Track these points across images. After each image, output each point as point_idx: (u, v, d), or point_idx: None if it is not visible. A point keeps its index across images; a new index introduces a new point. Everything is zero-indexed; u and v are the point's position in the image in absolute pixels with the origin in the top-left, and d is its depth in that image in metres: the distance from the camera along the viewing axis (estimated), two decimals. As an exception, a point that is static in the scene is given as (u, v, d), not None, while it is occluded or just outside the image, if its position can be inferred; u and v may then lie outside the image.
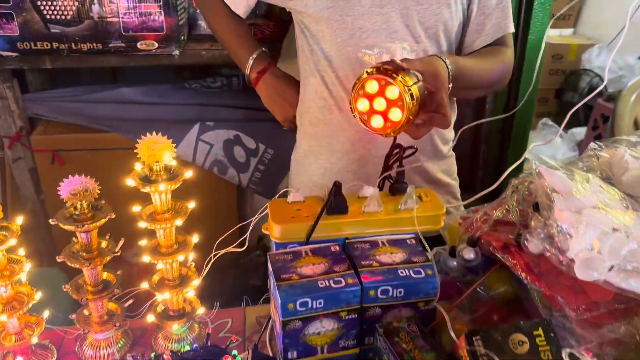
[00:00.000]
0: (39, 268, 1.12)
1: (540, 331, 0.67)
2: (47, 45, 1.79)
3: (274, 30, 2.03)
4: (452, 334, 0.69)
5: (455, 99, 1.31)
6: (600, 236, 0.66)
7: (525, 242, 0.76)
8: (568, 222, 0.69)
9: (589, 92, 3.61)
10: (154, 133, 0.88)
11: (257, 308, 1.15)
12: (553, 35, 3.90)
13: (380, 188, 1.03)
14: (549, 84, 3.84)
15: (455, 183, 1.40)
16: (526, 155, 0.94)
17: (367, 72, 0.90)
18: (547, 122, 3.46)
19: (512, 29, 1.22)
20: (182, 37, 1.91)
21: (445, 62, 0.98)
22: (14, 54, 1.79)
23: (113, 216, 0.90)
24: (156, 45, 1.85)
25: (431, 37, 1.17)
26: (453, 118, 1.31)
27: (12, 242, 0.86)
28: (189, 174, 0.90)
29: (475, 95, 1.19)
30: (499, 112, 2.29)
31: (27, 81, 2.09)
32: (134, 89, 2.06)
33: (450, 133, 1.35)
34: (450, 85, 0.98)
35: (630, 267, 0.65)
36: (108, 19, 1.77)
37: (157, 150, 0.87)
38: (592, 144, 0.82)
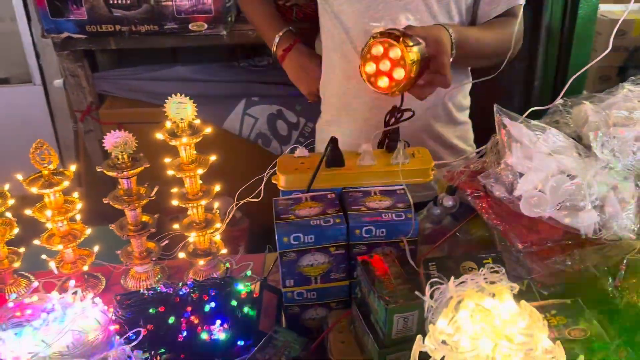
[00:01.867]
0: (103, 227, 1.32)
1: (490, 260, 0.77)
2: (111, 28, 2.01)
3: (314, 10, 2.15)
4: (411, 261, 0.80)
5: (468, 68, 1.38)
6: (544, 178, 0.74)
7: (490, 187, 0.85)
8: (520, 166, 0.77)
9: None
10: (177, 94, 1.04)
11: (276, 254, 1.30)
12: (616, 10, 3.74)
13: (380, 146, 1.13)
14: (611, 62, 3.70)
15: (471, 149, 1.47)
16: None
17: (372, 37, 1.01)
18: (604, 99, 3.35)
19: (521, 1, 1.27)
20: (230, 19, 2.08)
21: (448, 31, 1.07)
22: (83, 36, 2.04)
23: (148, 165, 1.07)
24: (206, 26, 2.03)
25: (443, 8, 1.25)
26: (467, 86, 1.39)
27: (66, 183, 1.05)
28: (208, 130, 1.06)
29: (482, 64, 1.24)
30: (548, 90, 2.26)
31: (97, 61, 2.35)
32: (188, 67, 2.27)
33: (465, 100, 1.43)
34: (454, 52, 1.07)
35: (569, 205, 0.73)
36: (163, 3, 1.97)
37: (181, 109, 1.03)
38: (559, 100, 0.88)
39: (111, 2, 1.95)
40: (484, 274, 0.60)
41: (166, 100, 2.36)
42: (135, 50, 2.21)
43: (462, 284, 0.60)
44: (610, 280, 0.68)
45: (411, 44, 0.97)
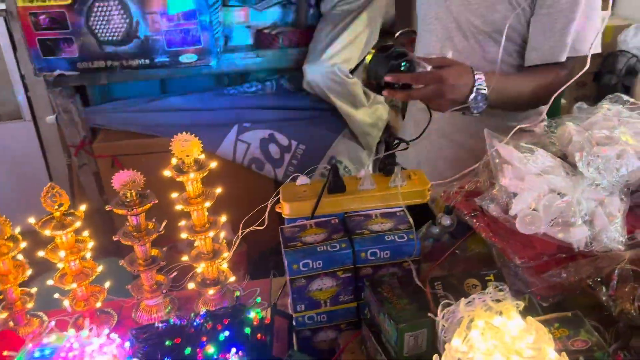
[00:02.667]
0: (107, 259, 1.35)
1: (492, 277, 0.82)
2: (102, 64, 2.06)
3: (300, 37, 2.22)
4: (417, 281, 0.85)
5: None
6: (537, 197, 0.80)
7: (486, 207, 0.90)
8: (513, 187, 0.83)
9: (626, 73, 3.57)
10: (184, 132, 1.08)
11: (281, 279, 1.34)
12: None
13: (380, 170, 1.18)
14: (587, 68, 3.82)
15: None
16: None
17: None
18: (582, 105, 3.46)
19: (562, 59, 1.25)
20: (219, 49, 2.13)
21: (473, 74, 1.12)
22: (75, 73, 2.07)
23: (156, 201, 1.11)
24: (196, 57, 2.08)
25: (479, 34, 1.31)
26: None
27: (78, 224, 1.08)
28: (213, 164, 1.10)
29: (521, 109, 1.26)
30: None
31: (87, 95, 2.38)
32: (180, 97, 2.31)
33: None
34: (478, 95, 1.12)
35: (561, 221, 0.78)
36: (153, 37, 2.02)
37: (187, 147, 1.07)
38: (545, 122, 0.95)
39: (102, 38, 2.00)
40: (490, 293, 0.65)
41: (160, 131, 2.39)
42: (125, 81, 2.26)
43: (470, 303, 0.64)
44: (604, 290, 0.74)
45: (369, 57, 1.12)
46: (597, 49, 1.25)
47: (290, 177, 1.17)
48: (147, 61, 2.06)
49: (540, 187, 0.80)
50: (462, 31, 1.33)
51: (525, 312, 0.62)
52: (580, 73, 1.16)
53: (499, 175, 0.86)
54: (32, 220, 1.08)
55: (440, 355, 0.61)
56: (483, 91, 1.09)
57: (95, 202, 2.34)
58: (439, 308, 0.67)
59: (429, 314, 0.72)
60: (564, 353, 0.58)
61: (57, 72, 2.05)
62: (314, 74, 2.06)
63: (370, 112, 2.25)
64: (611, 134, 0.85)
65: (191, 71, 2.15)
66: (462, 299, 0.66)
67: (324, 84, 2.06)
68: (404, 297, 0.90)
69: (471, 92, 1.10)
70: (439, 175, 1.12)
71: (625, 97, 1.00)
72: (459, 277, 0.82)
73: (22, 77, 2.71)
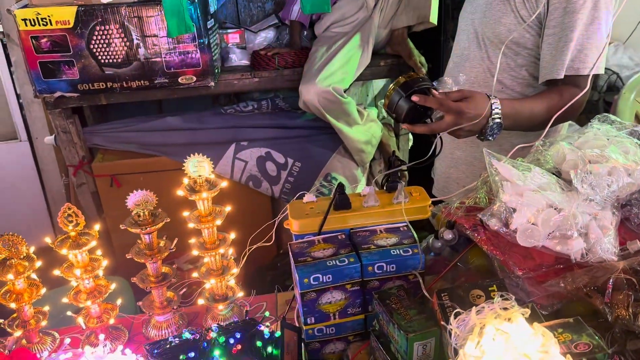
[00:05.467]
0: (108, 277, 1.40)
1: (495, 287, 0.87)
2: (102, 85, 2.10)
3: (295, 58, 2.29)
4: (426, 293, 0.90)
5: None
6: (536, 212, 0.86)
7: (486, 221, 0.96)
8: (513, 203, 0.89)
9: (607, 89, 3.70)
10: (196, 154, 1.13)
11: (286, 294, 1.38)
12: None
13: (382, 186, 1.23)
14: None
15: None
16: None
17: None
18: (574, 125, 3.56)
19: (559, 76, 1.29)
20: (217, 70, 2.19)
21: (490, 104, 1.21)
22: (75, 95, 2.11)
23: (168, 220, 1.15)
24: (194, 79, 2.13)
25: (490, 45, 1.42)
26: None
27: (93, 243, 1.12)
28: (224, 184, 1.15)
29: (536, 130, 1.30)
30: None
31: (84, 116, 2.42)
32: (177, 117, 2.35)
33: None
34: (494, 121, 1.21)
35: (558, 234, 0.84)
36: (153, 59, 2.07)
37: (199, 167, 1.12)
38: (539, 142, 1.01)
39: (103, 61, 2.04)
40: (498, 302, 0.70)
41: (158, 150, 2.42)
42: (122, 103, 2.30)
43: (480, 312, 0.70)
44: (600, 298, 0.79)
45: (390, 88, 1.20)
46: (600, 69, 1.29)
47: (298, 195, 1.22)
48: (147, 82, 2.10)
49: (538, 202, 0.86)
50: (477, 41, 1.45)
51: (529, 320, 0.67)
52: (582, 94, 1.23)
53: (499, 192, 0.91)
54: (48, 239, 1.12)
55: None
56: (498, 120, 1.17)
57: (94, 222, 2.36)
58: (452, 317, 0.72)
59: (442, 323, 0.77)
60: (568, 355, 0.63)
61: (58, 93, 2.09)
62: (310, 94, 2.12)
63: (364, 130, 2.31)
64: (602, 152, 0.92)
65: (189, 92, 2.19)
66: (474, 307, 0.71)
67: (320, 103, 2.12)
68: (412, 308, 0.95)
69: (487, 122, 1.17)
70: (449, 191, 1.19)
71: (613, 117, 1.07)
72: (464, 288, 0.87)
73: (18, 97, 2.73)
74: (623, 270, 0.79)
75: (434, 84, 1.19)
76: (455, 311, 0.72)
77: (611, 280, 0.78)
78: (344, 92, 2.17)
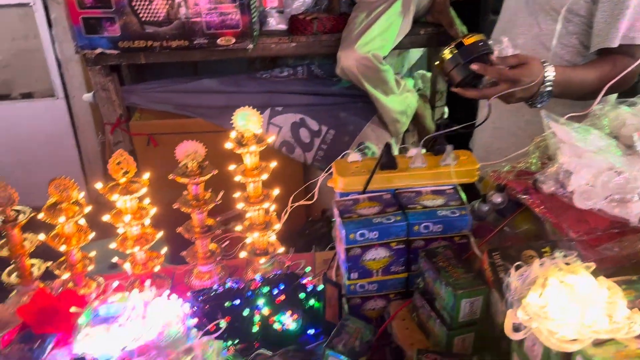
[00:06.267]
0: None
1: (548, 249, 0.86)
2: (142, 44, 2.11)
3: (334, 23, 2.26)
4: (477, 251, 0.90)
5: None
6: (595, 173, 0.85)
7: (540, 185, 0.95)
8: (571, 164, 0.88)
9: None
10: (246, 107, 1.13)
11: (323, 253, 1.39)
12: None
13: (428, 149, 1.22)
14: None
15: None
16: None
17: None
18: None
19: (613, 45, 1.26)
20: (255, 33, 2.18)
21: (544, 68, 1.19)
22: (116, 52, 2.12)
23: (216, 172, 1.16)
24: (233, 40, 2.13)
25: (540, 13, 1.38)
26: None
27: (143, 190, 1.14)
28: (271, 139, 1.15)
29: (587, 98, 1.26)
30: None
31: (122, 75, 2.43)
32: (213, 80, 2.36)
33: None
34: (546, 86, 1.20)
35: (618, 197, 0.83)
36: (193, 19, 2.06)
37: (248, 120, 1.12)
38: (596, 106, 0.99)
39: (144, 19, 2.05)
40: (559, 257, 0.69)
41: (194, 112, 2.43)
42: (159, 64, 2.31)
43: (542, 265, 0.69)
44: (656, 261, 0.79)
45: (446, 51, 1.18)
46: None
47: (319, 162, 1.22)
48: (186, 42, 2.10)
49: (598, 164, 0.85)
50: (527, 7, 1.40)
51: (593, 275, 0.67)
52: (637, 64, 1.20)
53: (557, 153, 0.90)
54: (99, 185, 1.14)
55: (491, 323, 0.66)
56: (549, 87, 1.15)
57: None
58: (512, 269, 0.72)
59: (502, 276, 0.77)
60: (636, 309, 0.63)
61: (99, 50, 2.10)
62: (349, 60, 2.10)
63: (400, 100, 2.29)
64: (665, 116, 0.90)
65: (227, 54, 2.19)
66: (536, 260, 0.71)
67: (358, 70, 2.11)
68: (459, 267, 0.95)
69: (539, 89, 1.16)
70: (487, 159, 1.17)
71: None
72: (516, 248, 0.87)
73: (57, 55, 2.76)
74: (683, 235, 0.78)
75: (490, 43, 1.17)
76: (516, 264, 0.72)
77: (671, 245, 0.77)
78: (383, 59, 2.15)
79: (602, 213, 0.86)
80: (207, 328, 1.04)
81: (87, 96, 2.39)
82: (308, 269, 1.22)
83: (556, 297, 0.64)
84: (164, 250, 1.26)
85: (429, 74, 2.60)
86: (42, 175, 1.27)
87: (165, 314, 1.08)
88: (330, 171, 1.21)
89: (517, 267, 0.72)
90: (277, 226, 1.24)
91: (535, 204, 0.94)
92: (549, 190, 0.94)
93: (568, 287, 0.64)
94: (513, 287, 0.70)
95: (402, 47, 2.30)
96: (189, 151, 1.14)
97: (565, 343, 0.60)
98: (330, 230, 2.53)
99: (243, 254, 1.26)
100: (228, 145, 1.14)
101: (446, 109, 2.57)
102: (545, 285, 0.65)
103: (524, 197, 0.97)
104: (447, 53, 1.19)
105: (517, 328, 0.68)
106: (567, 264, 0.68)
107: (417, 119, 2.45)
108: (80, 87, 2.79)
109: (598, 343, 0.61)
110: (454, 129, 1.14)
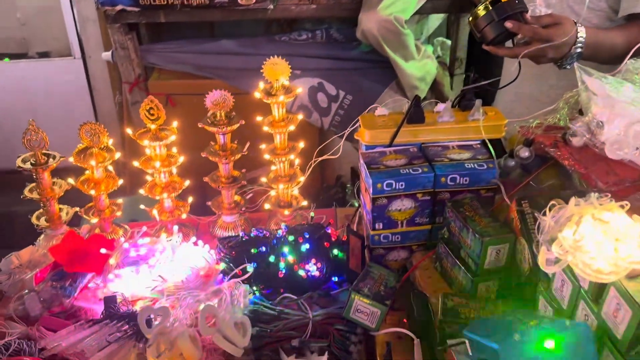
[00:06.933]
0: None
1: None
2: (163, 1, 2.10)
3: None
4: (506, 198, 0.91)
5: None
6: (628, 124, 0.85)
7: (570, 138, 0.96)
8: (603, 115, 0.88)
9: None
10: (275, 56, 1.13)
11: (344, 209, 1.41)
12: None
13: (454, 105, 1.23)
14: None
15: None
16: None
17: None
18: None
19: (637, 10, 1.25)
20: (276, -7, 2.16)
21: (576, 28, 1.18)
22: (136, 9, 2.12)
23: (243, 122, 1.17)
24: (254, 0, 2.11)
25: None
26: None
27: (172, 137, 1.15)
28: (300, 90, 1.16)
29: (615, 62, 1.20)
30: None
31: (140, 35, 2.43)
32: (232, 41, 2.35)
33: None
34: (578, 48, 1.19)
35: (650, 148, 0.84)
36: (214, -23, 2.05)
37: (277, 70, 1.13)
38: (629, 62, 0.99)
39: (165, -25, 2.03)
40: (594, 197, 0.71)
41: (212, 73, 2.42)
42: (177, 24, 2.30)
43: (578, 204, 0.71)
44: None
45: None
46: None
47: (335, 127, 1.23)
48: (207, 1, 2.09)
49: (631, 114, 0.86)
50: None
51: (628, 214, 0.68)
52: None
53: (591, 105, 0.91)
54: (129, 130, 1.15)
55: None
56: (580, 49, 1.15)
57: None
58: (547, 209, 0.73)
59: (536, 215, 0.78)
60: (669, 245, 0.64)
61: (119, 7, 2.10)
62: (371, 22, 2.08)
63: (419, 66, 2.28)
64: (700, 69, 0.90)
65: (246, 14, 2.18)
66: (572, 198, 0.72)
67: (379, 32, 2.09)
68: (486, 217, 0.96)
69: (570, 50, 1.15)
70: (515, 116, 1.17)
71: None
72: (545, 197, 0.87)
73: (74, 14, 2.75)
74: None
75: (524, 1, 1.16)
76: (550, 203, 0.73)
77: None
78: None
79: (632, 164, 0.87)
80: (234, 272, 1.06)
81: (106, 54, 2.39)
82: (330, 224, 1.23)
83: (591, 233, 0.65)
84: (190, 199, 1.28)
85: (448, 42, 2.57)
86: (58, 135, 1.29)
87: (193, 257, 1.11)
88: (356, 125, 1.22)
89: (551, 207, 0.73)
90: (302, 179, 1.25)
91: (563, 156, 0.95)
92: (579, 143, 0.94)
93: (603, 224, 0.66)
94: (546, 227, 0.71)
95: (423, 11, 2.28)
96: (218, 100, 1.15)
97: (601, 274, 0.62)
98: (345, 196, 2.56)
99: (267, 206, 1.27)
100: (256, 94, 1.14)
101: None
102: (580, 222, 0.67)
103: (553, 150, 0.98)
104: (481, 9, 1.18)
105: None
106: (601, 204, 0.70)
107: (435, 87, 2.43)
108: (98, 47, 2.78)
109: (632, 277, 0.63)
110: (482, 83, 1.14)
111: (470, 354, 0.73)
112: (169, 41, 2.40)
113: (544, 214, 0.73)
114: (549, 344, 0.63)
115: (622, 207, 0.69)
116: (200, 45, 2.34)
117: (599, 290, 0.66)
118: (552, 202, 0.73)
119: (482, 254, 0.92)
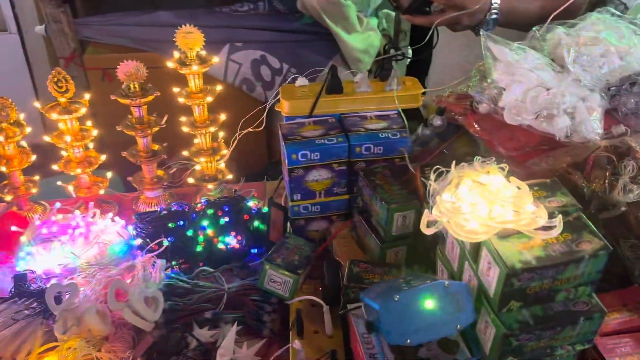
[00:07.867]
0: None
1: (478, 165, 0.89)
2: (95, -28, 2.01)
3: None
4: (410, 167, 0.92)
5: None
6: (525, 90, 0.86)
7: (476, 105, 0.97)
8: (503, 81, 0.89)
9: None
10: (187, 25, 1.10)
11: (274, 182, 1.40)
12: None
13: (375, 75, 1.22)
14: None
15: None
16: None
17: None
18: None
19: None
20: (214, -37, 2.10)
21: None
22: (67, -20, 2.03)
23: (158, 94, 1.14)
24: (191, -30, 2.05)
25: None
26: None
27: (83, 110, 1.12)
28: (216, 59, 1.13)
29: (526, 31, 1.29)
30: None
31: (75, 8, 2.34)
32: (169, 12, 2.28)
33: None
34: (492, 15, 1.18)
35: (546, 113, 0.85)
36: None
37: (191, 39, 1.10)
38: (534, 28, 1.00)
39: (94, -56, 1.95)
40: (478, 161, 0.72)
41: (150, 46, 2.36)
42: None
43: (461, 168, 0.72)
44: (579, 174, 0.81)
45: None
46: None
47: (290, 79, 1.21)
48: (142, -29, 2.02)
49: (529, 80, 0.87)
50: None
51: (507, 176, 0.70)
52: None
53: (492, 70, 0.91)
54: (37, 104, 1.11)
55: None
56: (495, 16, 1.15)
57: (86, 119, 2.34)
58: (431, 173, 0.74)
59: (422, 180, 0.79)
60: (540, 205, 0.66)
61: (48, -23, 2.01)
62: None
63: (362, 38, 2.27)
64: (597, 35, 0.91)
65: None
66: (453, 162, 0.73)
67: (318, 4, 2.07)
68: (395, 184, 0.97)
69: (485, 17, 1.15)
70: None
71: (612, 10, 1.05)
72: (448, 164, 0.89)
73: (7, -12, 2.62)
74: (604, 149, 0.81)
75: None
76: (434, 167, 0.74)
77: (592, 157, 0.80)
78: (344, -6, 2.11)
79: (531, 129, 0.89)
80: (149, 246, 1.05)
81: (40, 28, 2.30)
82: (253, 196, 1.22)
83: (468, 195, 0.67)
84: (109, 174, 1.25)
85: (393, 14, 2.56)
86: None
87: (108, 234, 1.09)
88: (278, 96, 1.21)
89: (435, 171, 0.74)
90: (225, 152, 1.24)
91: (470, 124, 0.96)
92: (485, 110, 0.95)
93: (480, 186, 0.67)
94: (432, 190, 0.72)
95: (366, -17, 2.26)
96: (131, 71, 1.11)
97: (472, 234, 0.63)
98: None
99: (191, 180, 1.26)
100: (169, 64, 1.12)
101: (410, 51, 2.55)
102: (459, 185, 0.68)
103: (461, 117, 0.99)
104: None
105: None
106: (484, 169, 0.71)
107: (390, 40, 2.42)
108: (34, 21, 2.66)
109: (504, 236, 0.64)
110: (398, 53, 1.14)
111: (366, 317, 0.74)
112: (106, 14, 2.32)
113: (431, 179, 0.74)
114: (429, 303, 0.64)
115: (502, 169, 0.71)
116: (137, 17, 2.27)
117: (476, 251, 0.67)
118: (437, 167, 0.74)
119: (388, 220, 0.93)
